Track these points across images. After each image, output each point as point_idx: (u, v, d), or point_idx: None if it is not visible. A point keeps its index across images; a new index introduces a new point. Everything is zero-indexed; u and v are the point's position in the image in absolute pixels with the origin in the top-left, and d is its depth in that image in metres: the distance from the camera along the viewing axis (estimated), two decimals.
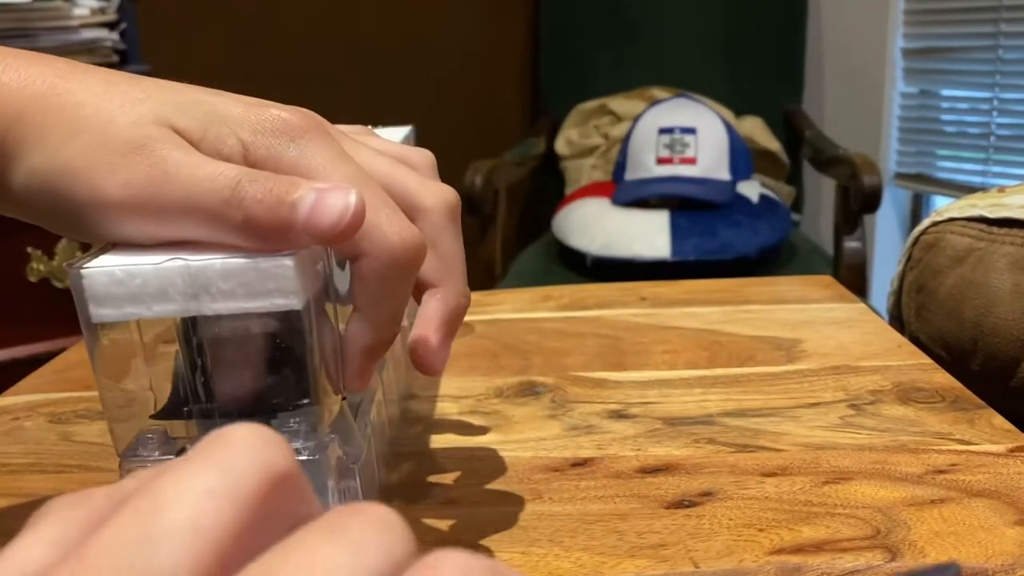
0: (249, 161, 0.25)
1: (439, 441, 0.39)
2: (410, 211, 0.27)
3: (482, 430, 0.40)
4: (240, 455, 0.14)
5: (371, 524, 0.13)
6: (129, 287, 0.23)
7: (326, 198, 0.23)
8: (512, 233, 1.97)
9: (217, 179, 0.23)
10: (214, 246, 0.24)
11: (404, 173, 0.28)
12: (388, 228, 0.24)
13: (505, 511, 0.33)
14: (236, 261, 0.23)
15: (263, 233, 0.23)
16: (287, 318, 0.24)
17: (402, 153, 0.31)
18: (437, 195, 0.28)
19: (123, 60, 1.39)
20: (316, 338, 0.25)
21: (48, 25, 1.28)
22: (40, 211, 0.25)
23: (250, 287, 0.23)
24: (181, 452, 0.26)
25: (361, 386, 0.27)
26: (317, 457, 0.25)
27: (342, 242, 0.24)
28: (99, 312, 0.24)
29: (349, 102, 1.95)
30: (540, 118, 2.05)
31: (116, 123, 0.24)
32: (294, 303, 0.24)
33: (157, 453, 0.26)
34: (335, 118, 0.33)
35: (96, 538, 0.12)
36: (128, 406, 0.26)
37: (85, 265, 0.23)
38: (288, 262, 0.23)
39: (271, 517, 0.14)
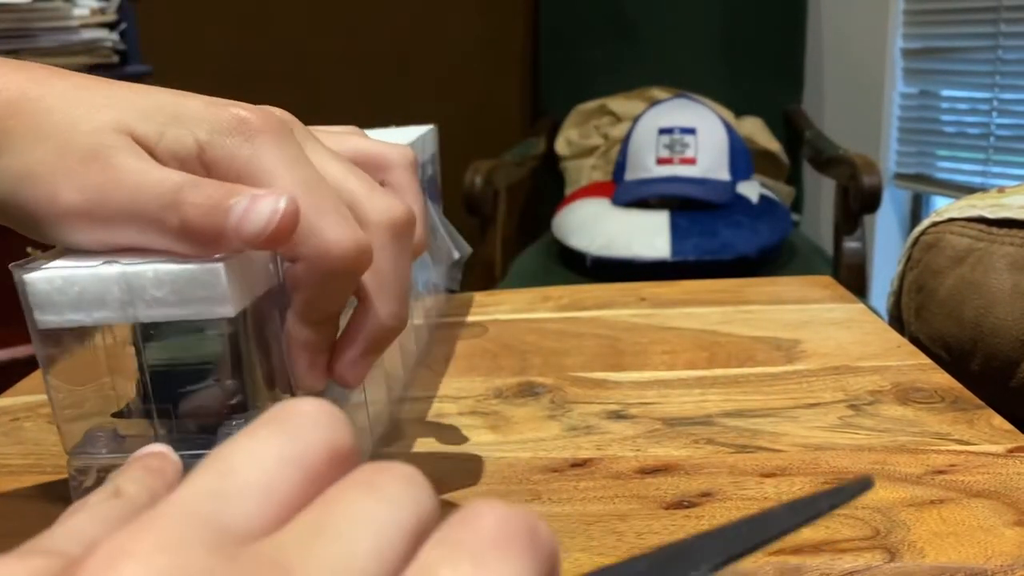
0: (204, 161, 0.25)
1: (437, 442, 0.39)
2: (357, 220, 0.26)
3: (481, 431, 0.40)
4: (309, 428, 0.15)
5: (401, 480, 0.14)
6: (69, 294, 0.24)
7: (256, 204, 0.23)
8: (512, 233, 1.97)
9: (161, 185, 0.24)
10: (159, 253, 0.24)
11: (356, 182, 0.27)
12: (329, 234, 0.24)
13: None
14: (168, 268, 0.24)
15: (200, 239, 0.24)
16: (222, 325, 0.24)
17: (378, 152, 0.31)
18: (382, 210, 0.27)
19: (123, 60, 1.39)
20: (253, 344, 0.25)
21: (48, 25, 1.28)
22: (6, 214, 0.26)
23: (182, 294, 0.24)
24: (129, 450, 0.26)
25: (314, 384, 0.27)
26: None
27: (274, 247, 0.24)
28: (44, 319, 0.24)
29: (349, 102, 1.96)
30: (540, 118, 2.05)
31: (78, 129, 0.25)
32: (227, 311, 0.24)
33: (105, 451, 0.26)
34: (335, 118, 0.33)
35: (173, 494, 0.13)
36: (77, 406, 0.26)
37: (29, 269, 0.24)
38: (218, 268, 0.24)
39: (331, 487, 0.15)
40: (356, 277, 0.26)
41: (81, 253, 0.25)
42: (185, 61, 1.75)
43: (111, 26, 1.37)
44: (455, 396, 0.44)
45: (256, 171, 0.25)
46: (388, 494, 0.14)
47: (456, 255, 0.55)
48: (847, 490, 0.16)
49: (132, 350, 0.25)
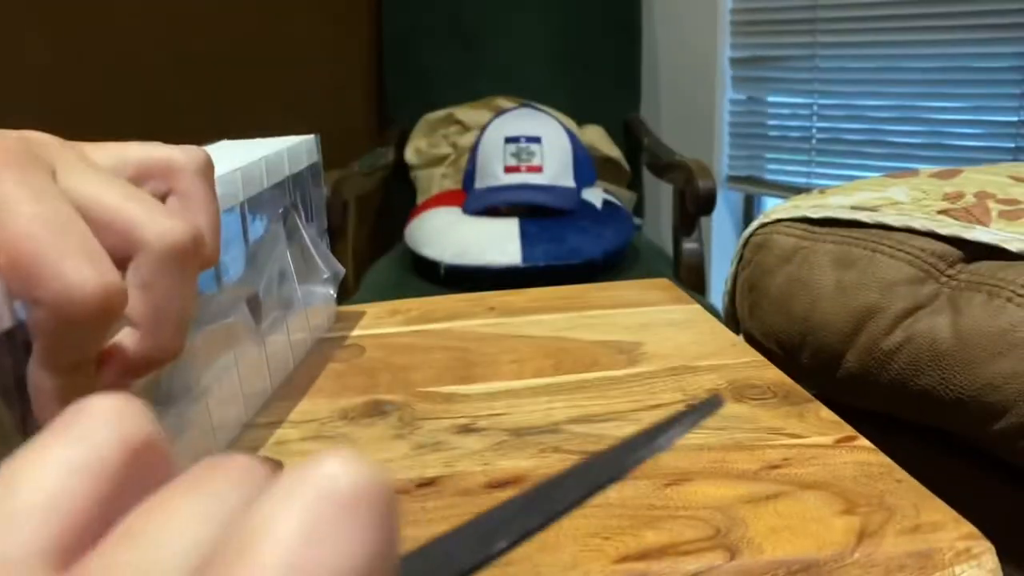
0: None
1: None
2: (132, 246, 0.24)
3: None
4: (99, 428, 0.13)
5: (234, 474, 0.13)
6: None
7: None
8: (364, 244, 1.94)
9: None
10: None
11: (131, 205, 0.25)
12: (71, 277, 0.22)
13: None
14: None
15: None
16: None
17: (166, 158, 0.28)
18: (160, 234, 0.24)
19: None
20: None
21: None
22: None
23: None
24: None
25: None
26: None
27: None
28: None
29: (186, 113, 1.87)
30: (388, 128, 2.03)
31: None
32: None
33: None
34: (168, 131, 0.31)
35: None
36: None
37: None
38: None
39: (135, 486, 0.13)
40: (107, 322, 0.23)
41: None
42: (7, 82, 1.63)
43: None
44: (298, 421, 0.42)
45: None
46: (215, 491, 0.13)
47: (325, 275, 0.54)
48: (700, 411, 0.16)
49: None
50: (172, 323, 0.25)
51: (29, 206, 0.22)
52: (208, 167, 0.29)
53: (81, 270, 0.22)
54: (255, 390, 0.44)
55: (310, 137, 0.53)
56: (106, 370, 0.25)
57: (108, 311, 0.22)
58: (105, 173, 0.25)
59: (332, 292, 0.55)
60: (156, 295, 0.25)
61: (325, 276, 0.54)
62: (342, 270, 0.55)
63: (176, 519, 0.12)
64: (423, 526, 0.32)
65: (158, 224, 0.25)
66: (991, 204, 0.62)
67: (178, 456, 0.29)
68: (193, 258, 0.25)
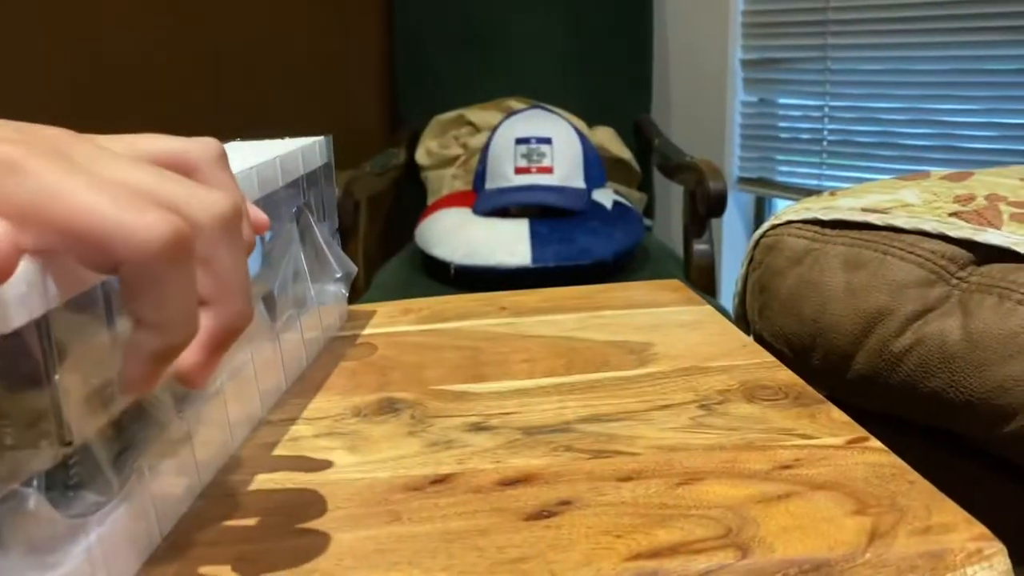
0: None
1: (293, 466, 0.38)
2: None
3: (339, 452, 0.39)
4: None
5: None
6: None
7: None
8: (375, 245, 1.95)
9: None
10: None
11: (170, 184, 0.25)
12: (134, 228, 0.22)
13: (363, 535, 0.32)
14: None
15: None
16: None
17: (181, 149, 0.29)
18: (207, 207, 0.25)
19: None
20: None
21: None
22: None
23: None
24: None
25: (144, 390, 0.25)
26: None
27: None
28: None
29: (200, 115, 1.88)
30: (400, 128, 2.04)
31: None
32: None
33: None
34: (184, 133, 0.31)
35: None
36: None
37: None
38: None
39: None
40: (188, 260, 0.24)
41: None
42: (26, 77, 1.64)
43: None
44: (311, 418, 0.43)
45: (45, 200, 0.22)
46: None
47: (338, 274, 0.54)
48: None
49: None
50: (239, 290, 0.26)
51: (73, 181, 0.23)
52: (224, 156, 0.30)
53: (147, 219, 0.22)
54: (270, 387, 0.44)
55: (322, 138, 0.54)
56: (195, 349, 0.25)
57: (185, 251, 0.23)
58: (130, 158, 0.26)
59: (344, 291, 0.56)
60: (217, 267, 0.25)
61: (338, 275, 0.54)
62: (354, 269, 0.55)
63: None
64: (437, 521, 0.32)
65: (201, 200, 0.25)
66: (1003, 207, 0.62)
67: (195, 453, 0.29)
68: (240, 229, 0.26)
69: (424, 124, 1.95)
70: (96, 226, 0.22)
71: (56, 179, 0.23)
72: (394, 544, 0.31)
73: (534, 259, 1.38)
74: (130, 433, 0.30)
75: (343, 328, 0.57)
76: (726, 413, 0.40)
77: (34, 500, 0.23)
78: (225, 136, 0.41)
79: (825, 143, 1.92)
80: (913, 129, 1.78)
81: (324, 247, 0.53)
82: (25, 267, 0.22)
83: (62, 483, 0.25)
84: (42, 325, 0.24)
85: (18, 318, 0.22)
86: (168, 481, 0.32)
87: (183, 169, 0.28)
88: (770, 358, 0.47)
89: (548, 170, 1.55)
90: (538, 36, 1.98)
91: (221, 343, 0.26)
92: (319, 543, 0.31)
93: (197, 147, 0.29)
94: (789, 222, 0.70)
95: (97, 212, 0.22)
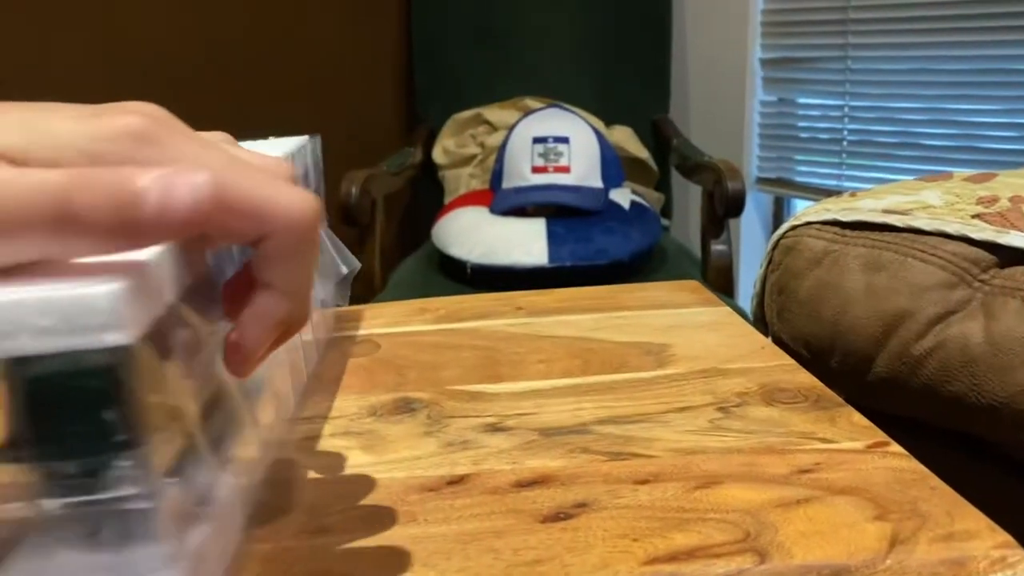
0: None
1: (308, 465, 0.38)
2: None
3: (354, 452, 0.39)
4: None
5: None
6: None
7: (175, 181, 0.21)
8: (391, 243, 1.95)
9: (44, 186, 0.20)
10: (60, 266, 0.21)
11: (262, 178, 0.25)
12: (287, 202, 0.23)
13: (378, 536, 0.31)
14: (52, 294, 0.20)
15: (109, 237, 0.21)
16: (114, 354, 0.21)
17: (259, 164, 0.29)
18: (296, 201, 0.25)
19: None
20: (146, 374, 0.22)
21: None
22: None
23: (69, 322, 0.20)
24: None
25: (249, 369, 0.25)
26: (151, 506, 0.23)
27: (199, 230, 0.22)
28: None
29: (217, 112, 1.89)
30: (417, 127, 2.04)
31: None
32: (116, 339, 0.20)
33: None
34: (204, 130, 0.31)
35: None
36: None
37: None
38: (108, 292, 0.20)
39: None
40: (318, 235, 0.25)
41: None
42: (41, 70, 1.65)
43: None
44: (327, 416, 0.43)
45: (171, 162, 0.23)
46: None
47: (344, 270, 0.54)
48: None
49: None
50: (308, 293, 0.26)
51: (212, 153, 0.23)
52: (292, 177, 0.29)
53: (298, 194, 0.24)
54: (288, 387, 0.44)
55: (310, 137, 0.54)
56: (259, 333, 0.26)
57: (318, 223, 0.24)
58: (219, 144, 0.26)
59: (347, 289, 0.56)
60: (301, 265, 0.26)
61: (344, 272, 0.54)
62: (358, 264, 0.55)
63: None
64: (453, 523, 0.32)
65: (294, 199, 0.25)
66: None
67: (224, 462, 0.29)
68: (318, 232, 0.26)
69: (441, 123, 1.95)
70: (253, 197, 0.23)
71: (195, 150, 0.23)
72: (409, 545, 0.31)
73: (551, 259, 1.38)
74: (216, 425, 0.30)
75: (359, 327, 0.57)
76: (744, 416, 0.40)
77: (177, 487, 0.24)
78: (243, 133, 0.41)
79: (845, 143, 1.91)
80: (934, 130, 1.76)
81: (328, 243, 0.53)
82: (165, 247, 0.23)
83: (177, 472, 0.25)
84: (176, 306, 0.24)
85: (169, 294, 0.23)
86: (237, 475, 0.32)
87: None
88: (789, 360, 0.47)
89: (565, 169, 1.54)
90: (556, 35, 1.97)
91: (281, 338, 0.26)
92: (334, 543, 0.31)
93: (273, 164, 0.29)
94: (808, 223, 0.69)
95: (248, 184, 0.23)
